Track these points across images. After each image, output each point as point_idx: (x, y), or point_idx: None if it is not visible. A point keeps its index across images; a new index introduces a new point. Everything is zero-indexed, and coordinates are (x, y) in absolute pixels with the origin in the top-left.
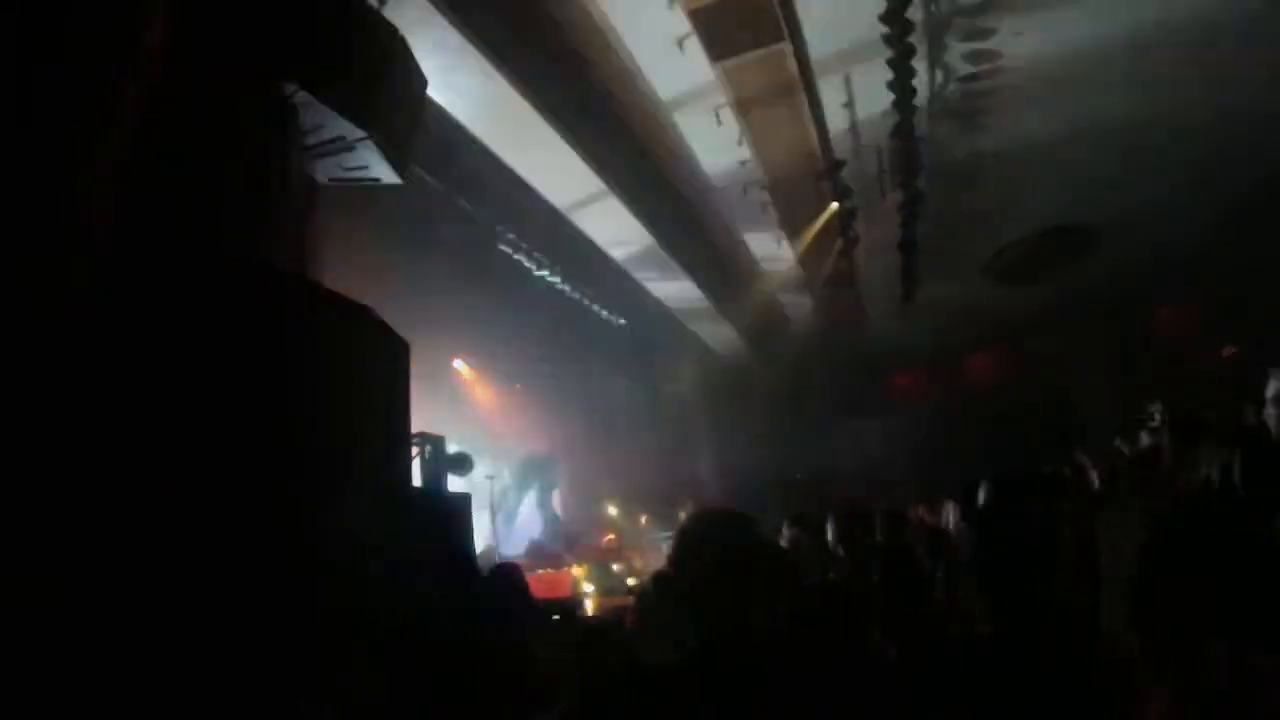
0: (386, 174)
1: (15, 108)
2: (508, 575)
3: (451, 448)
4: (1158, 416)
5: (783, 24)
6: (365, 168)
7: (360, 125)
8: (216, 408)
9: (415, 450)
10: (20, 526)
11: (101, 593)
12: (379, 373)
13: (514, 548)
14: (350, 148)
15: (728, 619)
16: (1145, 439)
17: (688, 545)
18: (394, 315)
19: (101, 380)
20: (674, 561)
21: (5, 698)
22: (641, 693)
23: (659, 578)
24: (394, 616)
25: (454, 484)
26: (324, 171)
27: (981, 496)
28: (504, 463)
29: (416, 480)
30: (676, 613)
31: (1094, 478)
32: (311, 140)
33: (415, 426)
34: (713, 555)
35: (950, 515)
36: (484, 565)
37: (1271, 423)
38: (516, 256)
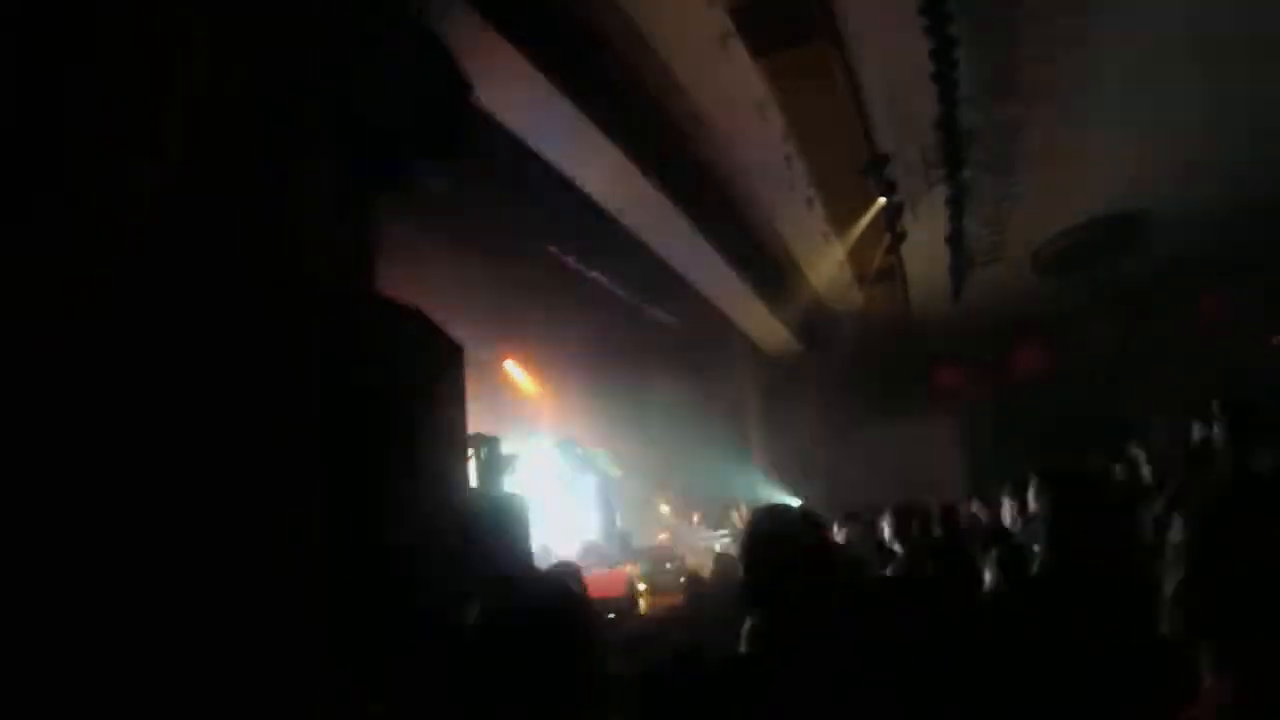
0: (435, 180)
1: (62, 115)
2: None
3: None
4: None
5: (824, 19)
6: (414, 173)
7: (409, 132)
8: (269, 414)
9: (471, 452)
10: (69, 529)
11: (133, 601)
12: (434, 376)
13: (570, 548)
14: (399, 154)
15: (796, 614)
16: (1198, 432)
17: (756, 542)
18: (445, 318)
19: (153, 387)
20: (743, 558)
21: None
22: (707, 686)
23: (697, 581)
24: (452, 619)
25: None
26: (373, 178)
27: (1033, 493)
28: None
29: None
30: (742, 608)
31: (1147, 473)
32: (360, 147)
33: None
34: (782, 552)
35: (1007, 512)
36: (541, 564)
37: None
38: (566, 258)
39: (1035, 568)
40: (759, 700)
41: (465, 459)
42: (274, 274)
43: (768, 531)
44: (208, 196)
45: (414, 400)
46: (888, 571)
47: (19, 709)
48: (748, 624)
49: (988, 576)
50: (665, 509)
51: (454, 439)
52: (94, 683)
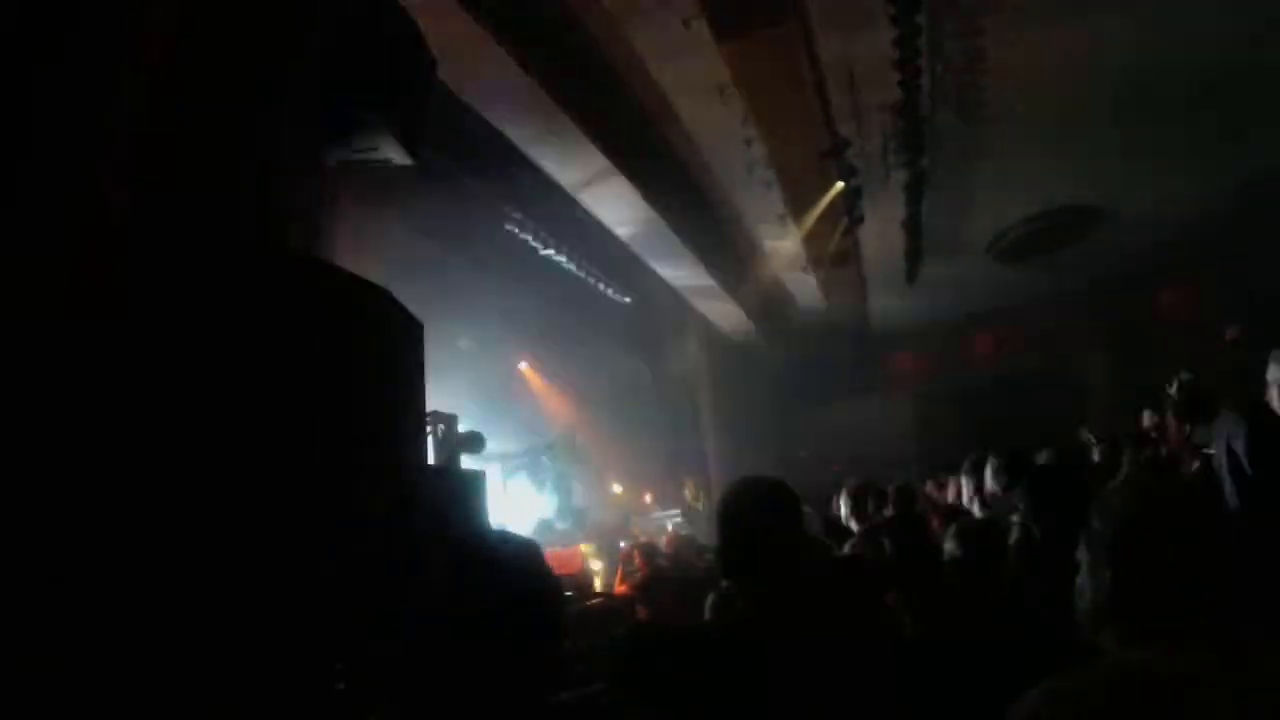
0: (397, 155)
1: (22, 100)
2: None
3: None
4: (1174, 388)
5: (789, 3)
6: (376, 149)
7: (370, 106)
8: (231, 391)
9: (429, 428)
10: (34, 528)
11: (116, 594)
12: (394, 352)
13: (524, 526)
14: (360, 129)
15: (771, 590)
16: (1148, 418)
17: (731, 514)
18: (402, 296)
19: (118, 369)
20: (718, 529)
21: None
22: (673, 662)
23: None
24: (413, 598)
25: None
26: (334, 153)
27: (990, 472)
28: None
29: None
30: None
31: (1096, 455)
32: (321, 122)
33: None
34: (756, 523)
35: (965, 490)
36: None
37: (1274, 405)
38: (522, 235)
39: (1011, 544)
40: (743, 672)
41: (424, 435)
42: (241, 245)
43: (742, 503)
44: (175, 167)
45: (375, 376)
46: (845, 550)
47: (18, 708)
48: (712, 596)
49: (947, 551)
50: (617, 488)
51: (413, 416)
52: (90, 681)
